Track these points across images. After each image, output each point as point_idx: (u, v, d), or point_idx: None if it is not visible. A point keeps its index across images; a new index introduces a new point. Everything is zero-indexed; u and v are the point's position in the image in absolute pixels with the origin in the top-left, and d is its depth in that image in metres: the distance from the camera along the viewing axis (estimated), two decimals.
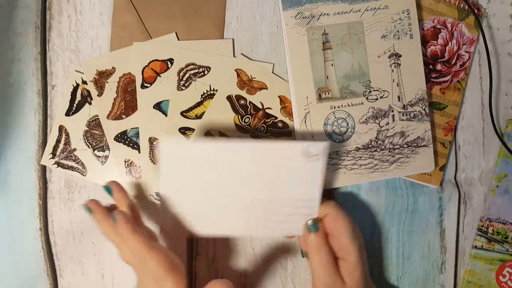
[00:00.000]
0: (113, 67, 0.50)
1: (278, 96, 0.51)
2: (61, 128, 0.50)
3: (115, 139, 0.50)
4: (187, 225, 0.45)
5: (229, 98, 0.50)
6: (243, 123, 0.50)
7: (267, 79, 0.51)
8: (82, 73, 0.50)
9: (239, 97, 0.50)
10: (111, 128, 0.50)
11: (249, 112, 0.51)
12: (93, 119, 0.51)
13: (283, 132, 0.51)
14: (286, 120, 0.51)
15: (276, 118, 0.50)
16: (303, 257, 0.50)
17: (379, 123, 0.50)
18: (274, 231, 0.46)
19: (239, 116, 0.50)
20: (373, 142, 0.50)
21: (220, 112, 0.50)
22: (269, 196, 0.44)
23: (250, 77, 0.51)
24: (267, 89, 0.51)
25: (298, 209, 0.45)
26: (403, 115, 0.50)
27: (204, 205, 0.44)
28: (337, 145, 0.50)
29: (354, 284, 0.44)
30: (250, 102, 0.51)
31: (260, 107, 0.51)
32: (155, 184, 0.50)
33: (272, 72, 0.51)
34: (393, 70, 0.50)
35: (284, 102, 0.51)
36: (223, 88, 0.50)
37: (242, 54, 0.51)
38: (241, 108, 0.51)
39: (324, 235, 0.44)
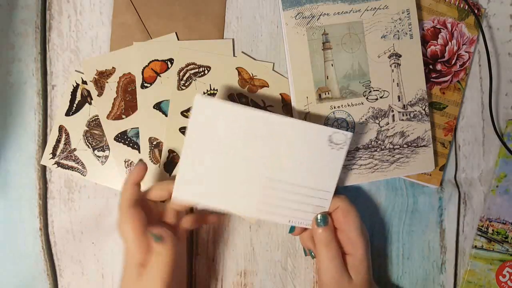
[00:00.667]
0: (113, 67, 0.50)
1: (280, 94, 0.51)
2: (61, 128, 0.50)
3: (115, 139, 0.50)
4: (193, 194, 0.43)
5: (230, 96, 0.50)
6: None
7: (268, 77, 0.51)
8: (82, 73, 0.50)
9: (240, 96, 0.50)
10: (111, 128, 0.50)
11: None
12: (93, 119, 0.51)
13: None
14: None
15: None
16: (305, 255, 0.50)
17: (379, 123, 0.50)
18: (283, 218, 0.45)
19: None
20: (373, 142, 0.50)
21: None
22: (286, 179, 0.43)
23: (251, 75, 0.51)
24: (268, 87, 0.51)
25: (310, 199, 0.44)
26: (403, 115, 0.50)
27: (219, 174, 0.43)
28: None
29: (360, 279, 0.44)
30: (251, 100, 0.51)
31: (262, 105, 0.51)
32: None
33: (273, 70, 0.51)
34: (393, 70, 0.50)
35: (285, 100, 0.51)
36: (224, 87, 0.50)
37: (242, 52, 0.51)
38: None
39: (333, 230, 0.45)
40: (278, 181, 0.43)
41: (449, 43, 0.52)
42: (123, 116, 0.50)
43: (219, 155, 0.42)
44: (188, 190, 0.43)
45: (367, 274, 0.45)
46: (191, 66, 0.50)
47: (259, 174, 0.43)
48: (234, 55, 0.51)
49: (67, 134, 0.50)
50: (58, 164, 0.50)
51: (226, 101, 0.43)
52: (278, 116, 0.42)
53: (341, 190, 0.52)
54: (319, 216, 0.44)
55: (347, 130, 0.50)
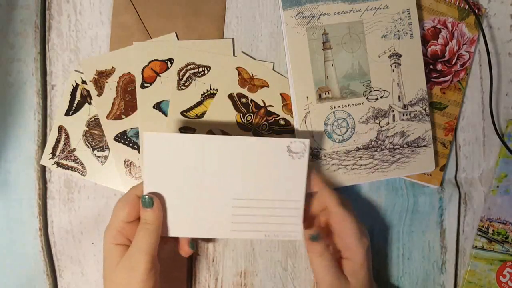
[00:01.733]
0: (112, 67, 0.50)
1: (280, 94, 0.51)
2: (60, 128, 0.50)
3: (115, 139, 0.50)
4: (167, 226, 0.43)
5: (230, 96, 0.50)
6: (245, 121, 0.50)
7: (268, 76, 0.51)
8: (82, 73, 0.50)
9: (240, 95, 0.50)
10: (111, 128, 0.50)
11: (250, 110, 0.51)
12: (93, 119, 0.51)
13: (285, 129, 0.51)
14: (288, 117, 0.51)
15: (278, 115, 0.51)
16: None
17: (379, 123, 0.50)
18: (259, 234, 0.45)
19: (241, 114, 0.50)
20: (373, 142, 0.50)
21: (221, 111, 0.50)
22: (254, 195, 0.44)
23: (251, 75, 0.51)
24: (268, 86, 0.51)
25: (282, 210, 0.44)
26: (403, 115, 0.50)
27: (187, 203, 0.43)
28: (337, 145, 0.50)
29: (359, 284, 0.44)
30: (251, 100, 0.51)
31: (262, 105, 0.51)
32: None
33: (273, 70, 0.51)
34: (393, 70, 0.50)
35: (285, 100, 0.51)
36: (224, 87, 0.50)
37: (242, 52, 0.51)
38: (242, 106, 0.50)
39: (325, 241, 0.44)
40: (246, 200, 0.44)
41: (450, 43, 0.52)
42: (123, 116, 0.50)
43: (182, 186, 0.42)
44: None
45: (367, 277, 0.44)
46: (191, 66, 0.50)
47: (226, 196, 0.43)
48: (234, 55, 0.51)
49: (67, 134, 0.50)
50: (58, 164, 0.50)
51: (176, 133, 0.44)
52: (231, 138, 0.42)
53: (341, 190, 0.52)
54: (313, 234, 0.44)
55: (347, 130, 0.50)
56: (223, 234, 0.44)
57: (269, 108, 0.51)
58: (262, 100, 0.51)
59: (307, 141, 0.43)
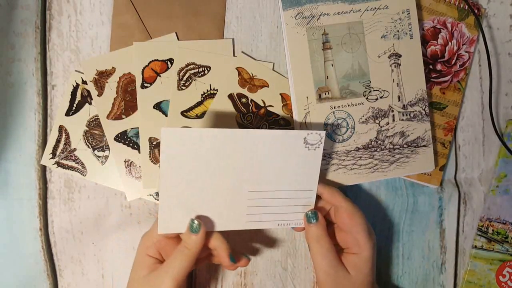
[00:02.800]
0: (113, 67, 0.50)
1: (280, 94, 0.51)
2: (61, 128, 0.50)
3: (115, 139, 0.50)
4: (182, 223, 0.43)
5: (230, 96, 0.50)
6: (245, 122, 0.50)
7: (268, 76, 0.51)
8: (82, 73, 0.50)
9: (240, 95, 0.50)
10: (111, 128, 0.50)
11: (250, 110, 0.51)
12: (93, 119, 0.51)
13: (285, 129, 0.50)
14: (288, 117, 0.51)
15: (278, 116, 0.51)
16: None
17: (379, 123, 0.50)
18: (271, 223, 0.46)
19: (241, 114, 0.50)
20: (373, 142, 0.50)
21: (221, 111, 0.50)
22: (269, 187, 0.44)
23: (251, 75, 0.51)
24: (268, 86, 0.51)
25: (295, 200, 0.45)
26: (403, 115, 0.50)
27: (203, 198, 0.43)
28: (337, 145, 0.50)
29: (361, 278, 0.44)
30: (251, 100, 0.51)
31: (262, 105, 0.51)
32: (155, 184, 0.50)
33: (273, 70, 0.51)
34: (393, 70, 0.50)
35: (285, 100, 0.51)
36: (224, 87, 0.50)
37: (242, 52, 0.51)
38: (242, 106, 0.51)
39: (324, 226, 0.45)
40: (261, 192, 0.44)
41: (449, 43, 0.52)
42: (123, 116, 0.50)
43: (198, 180, 0.42)
44: (174, 220, 0.43)
45: (370, 275, 0.45)
46: (191, 66, 0.50)
47: (241, 189, 0.43)
48: (234, 55, 0.51)
49: (67, 134, 0.50)
50: (58, 164, 0.50)
51: (193, 128, 0.44)
52: (247, 131, 0.42)
53: (341, 190, 0.52)
54: (309, 213, 0.45)
55: (347, 130, 0.50)
56: (238, 226, 0.45)
57: (269, 108, 0.51)
58: (262, 100, 0.51)
59: (323, 133, 0.43)
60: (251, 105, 0.51)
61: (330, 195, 0.45)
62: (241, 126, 0.50)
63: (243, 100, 0.51)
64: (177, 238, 0.44)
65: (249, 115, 0.51)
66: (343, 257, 0.45)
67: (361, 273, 0.44)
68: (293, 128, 0.50)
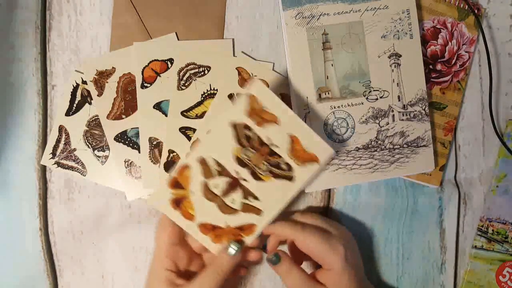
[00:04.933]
0: (113, 67, 0.50)
1: (280, 94, 0.51)
2: (61, 128, 0.50)
3: (115, 139, 0.50)
4: None
5: (230, 96, 0.50)
6: None
7: (268, 76, 0.51)
8: (82, 73, 0.50)
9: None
10: (111, 128, 0.50)
11: None
12: (93, 119, 0.51)
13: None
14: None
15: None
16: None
17: (379, 123, 0.50)
18: None
19: None
20: (373, 142, 0.50)
21: (222, 111, 0.50)
22: None
23: (251, 75, 0.51)
24: (268, 87, 0.51)
25: None
26: (403, 115, 0.50)
27: None
28: (337, 145, 0.50)
29: None
30: None
31: None
32: (155, 184, 0.50)
33: (273, 70, 0.51)
34: (393, 70, 0.50)
35: (285, 100, 0.51)
36: (224, 87, 0.50)
37: (242, 52, 0.51)
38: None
39: (289, 259, 0.44)
40: None
41: (449, 43, 0.52)
42: (123, 116, 0.50)
43: None
44: None
45: (351, 282, 0.44)
46: (191, 66, 0.50)
47: None
48: (234, 55, 0.51)
49: (67, 134, 0.50)
50: (58, 164, 0.50)
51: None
52: None
53: (341, 190, 0.52)
54: (270, 257, 0.44)
55: (347, 130, 0.50)
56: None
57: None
58: None
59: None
60: None
61: (278, 233, 0.45)
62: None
63: None
64: (182, 242, 0.45)
65: None
66: (319, 274, 0.45)
67: (340, 286, 0.44)
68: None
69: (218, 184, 0.44)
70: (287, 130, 0.43)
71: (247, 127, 0.42)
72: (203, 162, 0.44)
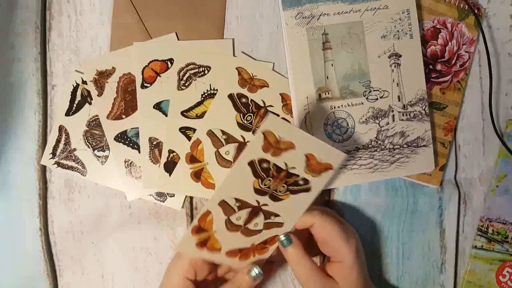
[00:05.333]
0: (113, 67, 0.50)
1: (280, 94, 0.51)
2: (61, 128, 0.50)
3: (115, 139, 0.50)
4: None
5: (230, 96, 0.50)
6: (245, 122, 0.50)
7: (268, 76, 0.51)
8: (82, 73, 0.50)
9: (240, 96, 0.50)
10: (111, 128, 0.50)
11: (251, 110, 0.51)
12: (93, 119, 0.51)
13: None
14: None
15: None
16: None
17: (379, 123, 0.50)
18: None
19: (241, 114, 0.50)
20: (373, 142, 0.50)
21: (222, 111, 0.50)
22: None
23: (251, 75, 0.51)
24: (268, 86, 0.51)
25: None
26: (403, 115, 0.50)
27: None
28: (337, 145, 0.50)
29: (350, 284, 0.44)
30: (251, 100, 0.51)
31: (262, 105, 0.51)
32: (155, 184, 0.50)
33: (273, 70, 0.51)
34: (393, 70, 0.50)
35: (285, 100, 0.51)
36: (224, 87, 0.50)
37: (242, 52, 0.51)
38: (242, 106, 0.50)
39: (301, 246, 0.44)
40: None
41: (449, 43, 0.52)
42: (123, 116, 0.50)
43: None
44: None
45: (359, 279, 0.44)
46: (191, 66, 0.50)
47: None
48: (234, 55, 0.51)
49: (67, 134, 0.50)
50: (58, 164, 0.50)
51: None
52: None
53: (341, 190, 0.52)
54: (281, 237, 0.44)
55: (347, 130, 0.50)
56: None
57: (269, 108, 0.51)
58: (262, 100, 0.51)
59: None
60: (251, 105, 0.51)
61: (299, 225, 0.45)
62: (241, 126, 0.50)
63: (243, 100, 0.51)
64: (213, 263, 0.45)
65: (249, 115, 0.51)
66: (329, 267, 0.45)
67: (349, 280, 0.44)
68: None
69: (240, 216, 0.43)
70: (303, 151, 0.41)
71: (264, 160, 0.41)
72: (223, 204, 0.42)
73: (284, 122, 0.41)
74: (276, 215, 0.44)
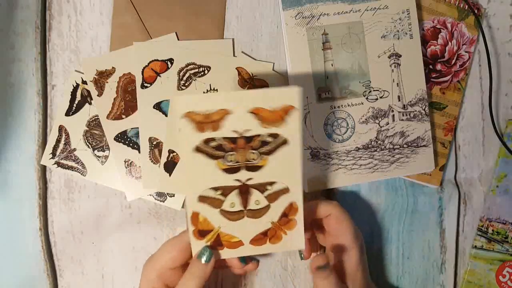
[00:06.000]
0: (113, 67, 0.50)
1: None
2: (61, 128, 0.50)
3: (115, 139, 0.50)
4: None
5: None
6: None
7: (268, 76, 0.51)
8: (82, 73, 0.50)
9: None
10: (111, 128, 0.50)
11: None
12: (93, 119, 0.51)
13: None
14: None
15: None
16: (301, 259, 0.48)
17: (379, 123, 0.50)
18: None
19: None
20: (373, 142, 0.50)
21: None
22: None
23: (251, 75, 0.51)
24: (268, 86, 0.51)
25: None
26: (403, 115, 0.50)
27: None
28: (337, 145, 0.50)
29: (354, 283, 0.44)
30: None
31: None
32: (155, 184, 0.50)
33: (273, 70, 0.51)
34: (393, 70, 0.50)
35: None
36: (224, 87, 0.50)
37: (242, 52, 0.51)
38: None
39: (332, 268, 0.42)
40: None
41: (449, 43, 0.52)
42: (123, 116, 0.50)
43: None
44: None
45: (364, 278, 0.45)
46: (191, 66, 0.50)
47: None
48: (234, 55, 0.51)
49: (67, 134, 0.50)
50: (58, 164, 0.50)
51: (202, 94, 0.41)
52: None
53: (341, 190, 0.52)
54: (321, 264, 0.41)
55: (347, 130, 0.50)
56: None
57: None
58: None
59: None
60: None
61: (318, 210, 0.44)
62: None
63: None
64: (183, 266, 0.43)
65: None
66: (335, 266, 0.45)
67: (357, 281, 0.44)
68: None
69: (233, 201, 0.41)
70: (243, 110, 0.38)
71: (209, 140, 0.39)
72: (205, 199, 0.41)
73: (195, 96, 0.39)
74: (271, 183, 0.41)
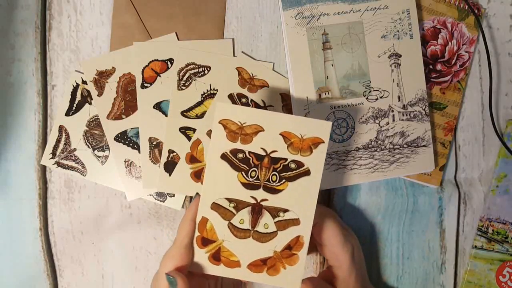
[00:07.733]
0: (113, 67, 0.50)
1: (280, 94, 0.51)
2: (61, 128, 0.50)
3: (115, 139, 0.50)
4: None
5: (230, 96, 0.50)
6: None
7: (268, 77, 0.51)
8: (82, 73, 0.50)
9: (240, 95, 0.50)
10: (111, 128, 0.50)
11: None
12: (93, 119, 0.51)
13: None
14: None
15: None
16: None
17: (379, 123, 0.50)
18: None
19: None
20: (373, 142, 0.50)
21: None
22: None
23: (251, 75, 0.51)
24: (268, 86, 0.51)
25: None
26: (403, 115, 0.50)
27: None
28: (337, 145, 0.50)
29: None
30: (251, 100, 0.51)
31: (262, 105, 0.51)
32: (155, 184, 0.50)
33: (273, 70, 0.51)
34: (393, 70, 0.50)
35: (285, 100, 0.51)
36: (224, 87, 0.50)
37: (242, 52, 0.51)
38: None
39: (318, 280, 0.44)
40: None
41: (449, 43, 0.52)
42: (123, 116, 0.50)
43: None
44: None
45: (357, 282, 0.44)
46: (191, 66, 0.50)
47: None
48: (234, 55, 0.51)
49: (67, 134, 0.50)
50: (58, 164, 0.50)
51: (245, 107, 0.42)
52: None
53: (341, 190, 0.52)
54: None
55: (346, 130, 0.50)
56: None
57: (269, 109, 0.51)
58: (262, 100, 0.51)
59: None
60: (251, 105, 0.51)
61: None
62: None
63: (243, 100, 0.51)
64: (189, 273, 0.41)
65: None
66: (328, 271, 0.45)
67: (350, 285, 0.44)
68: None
69: (243, 218, 0.41)
70: (275, 131, 0.39)
71: (237, 150, 0.39)
72: (217, 207, 0.40)
73: (236, 107, 0.40)
74: (285, 211, 0.40)
